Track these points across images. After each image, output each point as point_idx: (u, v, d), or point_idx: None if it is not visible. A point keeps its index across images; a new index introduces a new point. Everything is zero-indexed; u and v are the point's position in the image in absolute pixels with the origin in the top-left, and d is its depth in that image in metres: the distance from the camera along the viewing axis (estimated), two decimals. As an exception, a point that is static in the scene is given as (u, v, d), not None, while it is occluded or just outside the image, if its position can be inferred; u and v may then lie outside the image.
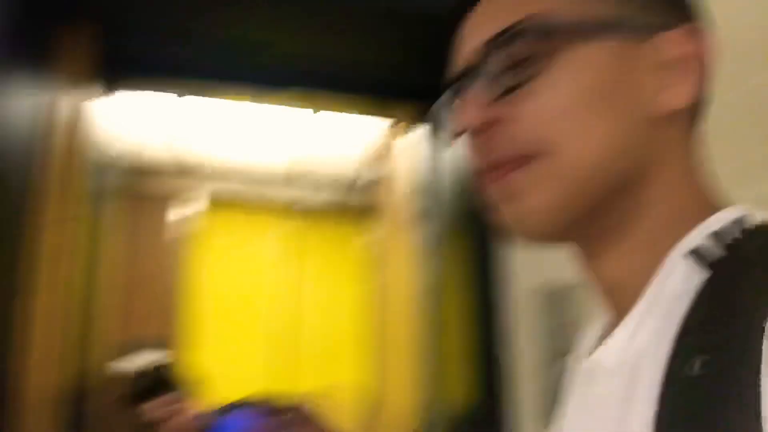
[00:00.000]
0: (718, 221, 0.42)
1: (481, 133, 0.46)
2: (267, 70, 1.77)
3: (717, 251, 0.40)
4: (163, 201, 3.65)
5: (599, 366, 0.45)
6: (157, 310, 3.53)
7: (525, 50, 0.45)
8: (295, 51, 1.68)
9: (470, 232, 1.53)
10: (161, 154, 3.48)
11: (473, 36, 0.48)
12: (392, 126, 2.83)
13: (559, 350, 1.25)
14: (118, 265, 2.65)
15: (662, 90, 0.45)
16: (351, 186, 3.86)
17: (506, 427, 1.23)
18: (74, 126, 1.44)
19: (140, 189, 3.59)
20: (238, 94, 1.89)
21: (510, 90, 0.45)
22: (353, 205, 3.90)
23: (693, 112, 0.47)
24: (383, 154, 3.15)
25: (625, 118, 0.45)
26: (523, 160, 0.45)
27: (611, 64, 0.45)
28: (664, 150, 0.46)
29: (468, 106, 0.46)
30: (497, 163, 0.46)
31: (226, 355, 3.72)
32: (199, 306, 3.74)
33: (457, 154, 1.63)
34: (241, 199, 3.83)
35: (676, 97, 0.45)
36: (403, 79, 1.86)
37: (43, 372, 1.25)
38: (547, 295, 1.30)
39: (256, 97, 1.91)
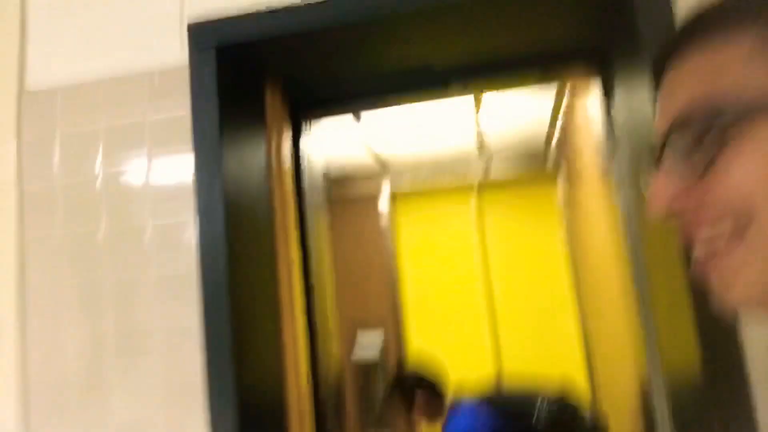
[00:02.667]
0: None
1: (679, 217, 0.47)
2: (436, 75, 1.87)
3: None
4: (363, 201, 3.99)
5: None
6: (373, 297, 3.89)
7: (705, 130, 0.45)
8: (457, 64, 1.77)
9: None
10: (356, 161, 3.77)
11: (662, 110, 0.49)
12: (567, 89, 2.80)
13: None
14: (337, 263, 2.97)
15: None
16: (540, 152, 3.84)
17: (736, 400, 1.11)
18: (285, 160, 1.74)
19: (344, 194, 3.95)
20: (408, 101, 2.03)
21: (699, 170, 0.45)
22: (544, 170, 3.87)
23: None
24: (565, 117, 3.12)
25: None
26: (730, 238, 0.45)
27: None
28: None
29: (659, 190, 0.48)
30: (708, 247, 0.47)
31: (435, 333, 3.94)
32: (407, 288, 4.00)
33: (624, 114, 1.61)
34: (432, 185, 4.01)
35: None
36: (569, 45, 1.83)
37: (296, 369, 1.53)
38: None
39: (429, 98, 2.04)
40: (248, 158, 1.49)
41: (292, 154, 1.82)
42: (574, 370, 3.66)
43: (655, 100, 0.52)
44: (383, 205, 4.01)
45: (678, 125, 0.47)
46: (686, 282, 1.19)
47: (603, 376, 3.15)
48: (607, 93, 1.86)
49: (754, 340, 1.14)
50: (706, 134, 0.45)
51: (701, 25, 0.48)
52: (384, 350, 3.81)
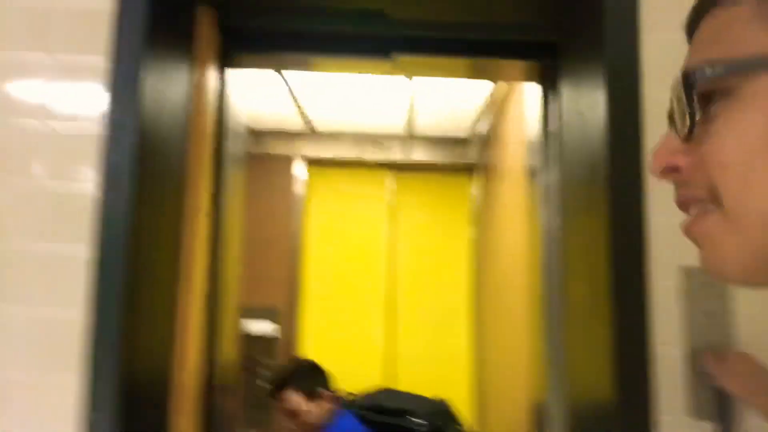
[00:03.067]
0: None
1: (669, 177, 0.47)
2: (375, 39, 1.79)
3: None
4: (275, 163, 3.80)
5: None
6: (273, 265, 3.68)
7: (704, 91, 0.44)
8: (409, 16, 1.68)
9: (599, 194, 1.30)
10: (277, 119, 3.59)
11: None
12: (502, 84, 2.79)
13: (707, 341, 1.13)
14: (244, 227, 2.78)
15: None
16: (462, 143, 3.82)
17: (644, 426, 1.10)
18: (209, 99, 1.58)
19: (259, 152, 3.75)
20: (345, 67, 1.92)
21: (692, 132, 0.44)
22: (463, 162, 3.86)
23: None
24: (493, 111, 3.11)
25: None
26: (703, 207, 0.45)
27: None
28: None
29: (656, 149, 0.47)
30: (686, 208, 0.47)
31: (334, 317, 3.80)
32: (309, 260, 3.83)
33: (570, 109, 1.59)
34: (351, 160, 3.88)
35: None
36: (513, 39, 1.82)
37: (189, 340, 1.40)
38: (694, 274, 1.15)
39: (363, 69, 1.94)
40: (171, 85, 1.32)
41: (216, 96, 1.67)
42: (464, 377, 3.68)
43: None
44: (299, 169, 3.85)
45: (679, 85, 0.45)
46: (609, 303, 1.16)
47: (493, 387, 3.12)
48: (548, 93, 1.84)
49: (666, 372, 1.14)
50: (699, 94, 0.44)
51: None
52: (279, 327, 3.61)
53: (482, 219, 3.54)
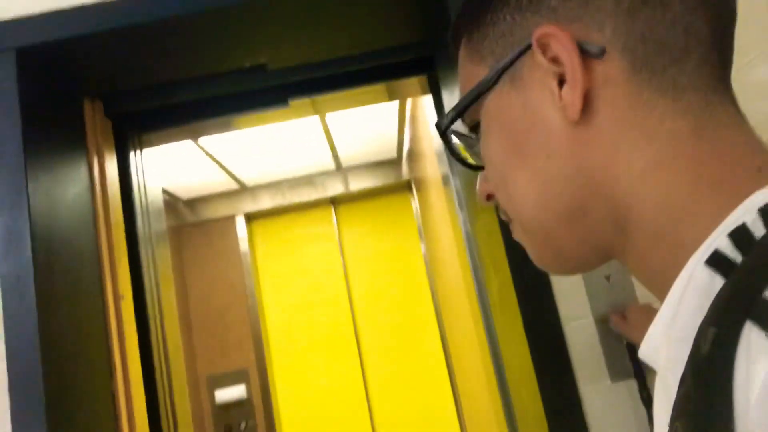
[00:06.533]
0: (744, 211, 0.33)
1: (491, 202, 0.51)
2: (267, 91, 1.82)
3: (736, 255, 0.31)
4: (216, 227, 3.78)
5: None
6: (233, 327, 3.61)
7: (467, 124, 0.49)
8: (291, 64, 1.71)
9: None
10: (208, 184, 3.59)
11: None
12: (408, 100, 2.85)
13: (611, 303, 1.17)
14: (192, 291, 2.67)
15: (554, 104, 0.41)
16: (392, 163, 3.84)
17: (570, 399, 1.13)
18: (111, 186, 1.60)
19: (198, 220, 3.74)
20: (249, 122, 1.97)
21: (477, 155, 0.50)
22: (398, 181, 3.88)
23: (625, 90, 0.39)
24: (410, 126, 3.16)
25: (539, 153, 0.42)
26: (510, 219, 0.49)
27: (503, 108, 0.44)
28: (619, 146, 0.39)
29: (479, 179, 0.51)
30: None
31: (305, 365, 3.70)
32: (271, 319, 3.78)
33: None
34: (289, 206, 3.88)
35: (570, 108, 0.39)
36: (397, 62, 1.87)
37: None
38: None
39: (267, 120, 1.98)
40: (66, 183, 1.34)
41: (122, 178, 1.69)
42: (442, 392, 3.64)
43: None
44: (240, 227, 3.84)
45: (447, 129, 0.51)
46: (514, 291, 1.19)
47: (467, 398, 3.09)
48: (439, 100, 1.90)
49: (580, 344, 1.17)
50: (469, 127, 0.49)
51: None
52: (250, 389, 3.50)
53: (427, 231, 3.57)
